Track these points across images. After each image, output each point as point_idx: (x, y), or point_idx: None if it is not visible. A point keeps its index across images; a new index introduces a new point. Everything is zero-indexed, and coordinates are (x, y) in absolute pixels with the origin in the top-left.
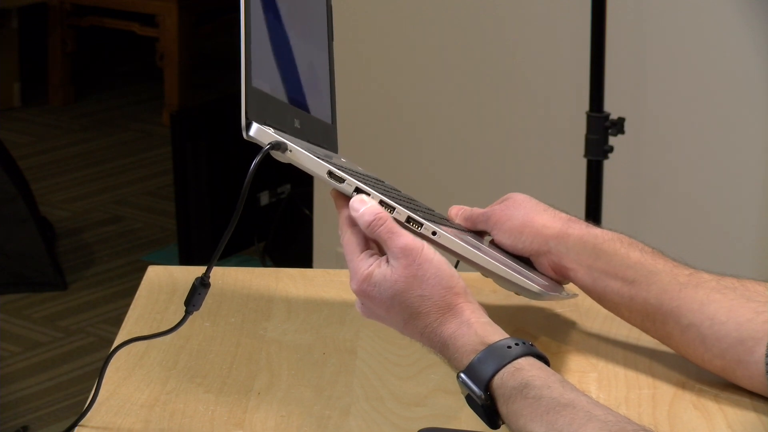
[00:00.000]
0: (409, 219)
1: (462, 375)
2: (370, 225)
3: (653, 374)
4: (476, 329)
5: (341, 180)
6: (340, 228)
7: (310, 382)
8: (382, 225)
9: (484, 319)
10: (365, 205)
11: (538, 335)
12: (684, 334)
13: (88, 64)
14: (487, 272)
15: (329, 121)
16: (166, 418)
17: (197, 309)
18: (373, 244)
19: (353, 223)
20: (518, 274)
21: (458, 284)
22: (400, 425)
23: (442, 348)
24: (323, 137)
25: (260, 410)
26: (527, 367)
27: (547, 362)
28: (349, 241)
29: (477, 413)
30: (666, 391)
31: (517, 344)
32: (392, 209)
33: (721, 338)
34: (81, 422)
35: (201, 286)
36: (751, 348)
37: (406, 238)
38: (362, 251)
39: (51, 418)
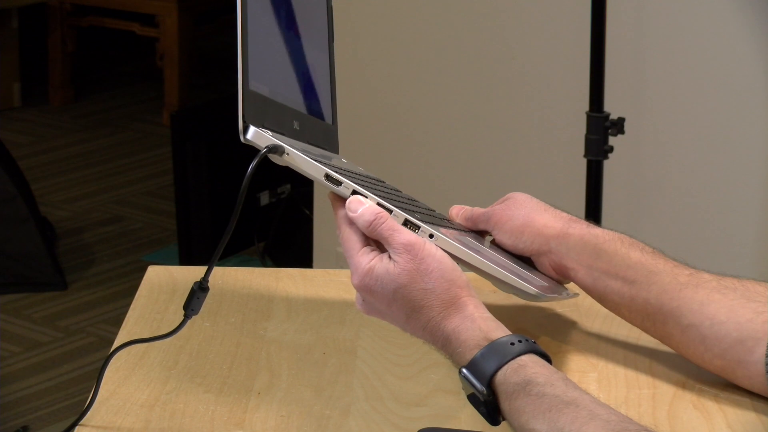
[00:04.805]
0: (406, 222)
1: (464, 370)
2: (371, 224)
3: (653, 374)
4: (479, 324)
5: (338, 183)
6: (338, 227)
7: (310, 382)
8: (383, 223)
9: (487, 314)
10: (363, 206)
11: (539, 335)
12: (684, 334)
13: (88, 64)
14: (484, 274)
15: (330, 121)
16: (166, 418)
17: (196, 313)
18: (373, 242)
19: (351, 221)
20: (516, 275)
21: (461, 278)
22: (400, 425)
23: (445, 342)
24: (323, 138)
25: (260, 410)
26: (530, 364)
27: (549, 360)
28: (349, 239)
29: (477, 410)
30: (666, 391)
31: (519, 341)
32: (389, 212)
33: (721, 338)
34: (81, 422)
35: (200, 290)
36: (751, 348)
37: (408, 234)
38: (362, 246)
39: (51, 418)
